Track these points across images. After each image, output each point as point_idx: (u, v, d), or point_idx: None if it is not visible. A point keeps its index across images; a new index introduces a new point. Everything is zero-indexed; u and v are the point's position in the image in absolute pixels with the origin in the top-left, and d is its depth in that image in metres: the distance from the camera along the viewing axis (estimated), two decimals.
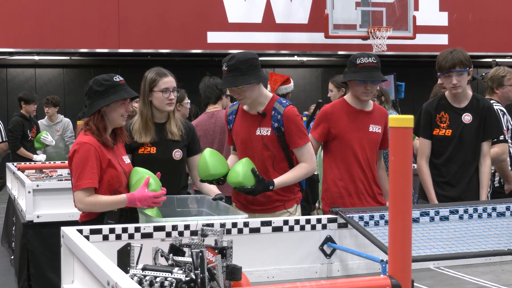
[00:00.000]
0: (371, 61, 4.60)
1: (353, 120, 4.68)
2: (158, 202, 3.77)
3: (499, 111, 5.33)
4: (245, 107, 4.35)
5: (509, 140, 5.58)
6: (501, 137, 5.16)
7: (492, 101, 5.41)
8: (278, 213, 4.26)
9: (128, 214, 3.91)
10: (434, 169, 4.87)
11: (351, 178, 4.66)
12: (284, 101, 4.28)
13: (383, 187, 4.82)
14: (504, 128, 5.30)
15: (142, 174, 3.91)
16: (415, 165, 6.48)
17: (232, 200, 4.48)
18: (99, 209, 3.84)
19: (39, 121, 10.76)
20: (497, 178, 5.72)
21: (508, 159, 5.54)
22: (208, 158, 4.15)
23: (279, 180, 4.18)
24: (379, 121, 4.74)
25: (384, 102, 6.52)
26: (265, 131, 4.25)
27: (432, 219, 3.82)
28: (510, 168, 5.66)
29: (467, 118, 4.82)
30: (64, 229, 3.22)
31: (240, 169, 4.06)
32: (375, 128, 4.71)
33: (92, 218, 3.88)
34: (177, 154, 4.40)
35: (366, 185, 4.69)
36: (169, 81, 4.41)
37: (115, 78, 3.93)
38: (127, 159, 4.10)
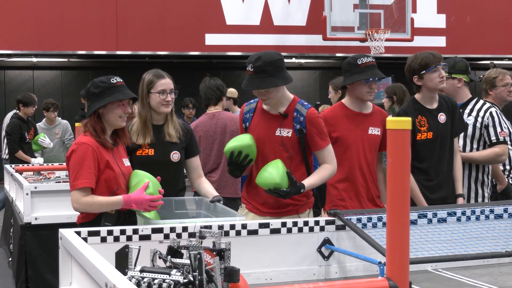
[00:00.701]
0: (370, 60, 4.66)
1: (353, 123, 4.68)
2: (154, 206, 3.76)
3: (495, 112, 5.34)
4: (264, 107, 4.33)
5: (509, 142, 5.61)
6: (501, 138, 5.21)
7: (487, 103, 5.42)
8: (289, 217, 4.18)
9: (126, 217, 3.91)
10: (420, 174, 4.86)
11: (351, 181, 4.66)
12: (306, 103, 4.28)
13: (381, 189, 4.82)
14: (505, 130, 5.30)
15: (141, 177, 3.91)
16: None
17: (243, 202, 4.46)
18: (95, 210, 3.85)
19: (37, 124, 10.75)
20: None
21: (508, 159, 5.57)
22: (251, 137, 4.19)
23: (308, 182, 4.17)
24: (378, 123, 4.74)
25: (395, 102, 6.49)
26: (285, 132, 4.24)
27: (429, 221, 3.83)
28: (509, 167, 5.69)
29: (442, 118, 4.91)
30: (62, 231, 3.23)
31: (275, 171, 4.02)
32: (374, 131, 4.71)
33: (89, 220, 3.89)
34: (175, 156, 4.40)
35: (366, 188, 4.69)
36: (166, 83, 4.40)
37: (112, 80, 3.94)
38: (127, 162, 4.10)
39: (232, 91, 9.07)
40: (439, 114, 4.90)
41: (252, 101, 4.46)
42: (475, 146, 5.28)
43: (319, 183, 4.29)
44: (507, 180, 5.74)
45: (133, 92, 4.04)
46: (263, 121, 4.31)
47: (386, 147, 4.82)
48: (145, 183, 3.79)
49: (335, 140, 4.63)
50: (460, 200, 4.90)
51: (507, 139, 5.38)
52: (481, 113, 5.31)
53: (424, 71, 4.83)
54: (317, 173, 4.27)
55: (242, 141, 4.20)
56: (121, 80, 3.98)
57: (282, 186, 4.00)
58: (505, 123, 5.45)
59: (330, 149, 4.30)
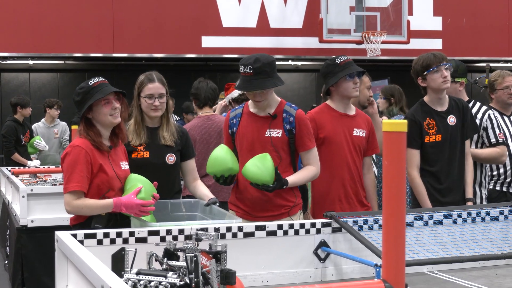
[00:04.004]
0: (347, 57, 4.74)
1: (338, 124, 4.71)
2: (145, 211, 3.76)
3: (492, 115, 5.35)
4: (252, 110, 4.39)
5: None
6: (500, 140, 5.24)
7: (483, 106, 5.44)
8: (283, 220, 4.24)
9: (118, 219, 3.91)
10: (430, 177, 4.82)
11: (340, 182, 4.67)
12: (293, 105, 4.40)
13: (367, 188, 4.84)
14: (502, 132, 5.32)
15: (136, 182, 3.90)
16: None
17: (231, 208, 4.47)
18: (86, 213, 3.86)
19: (35, 124, 10.76)
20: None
21: (509, 160, 5.57)
22: (227, 152, 4.23)
23: (291, 179, 4.27)
24: (362, 125, 4.79)
25: (393, 104, 6.47)
26: (275, 133, 4.32)
27: (426, 223, 3.83)
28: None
29: (451, 120, 4.86)
30: (58, 233, 3.22)
31: (265, 168, 4.09)
32: (359, 132, 4.75)
33: (80, 222, 3.92)
34: (171, 158, 4.39)
35: (354, 189, 4.72)
36: (154, 87, 4.35)
37: (90, 82, 3.94)
38: (125, 165, 4.08)
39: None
40: (449, 117, 4.86)
41: (237, 107, 4.54)
42: (473, 147, 5.29)
43: (301, 183, 4.39)
44: (495, 187, 5.71)
45: (129, 95, 4.03)
46: (252, 123, 4.37)
47: (372, 151, 4.92)
48: (138, 187, 3.79)
49: (322, 140, 4.65)
50: (469, 205, 4.83)
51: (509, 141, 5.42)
52: (479, 115, 5.32)
53: (426, 72, 4.82)
54: (301, 172, 4.36)
55: (221, 165, 4.24)
56: (100, 79, 3.95)
57: (270, 183, 4.10)
58: (501, 126, 5.46)
59: (315, 151, 4.41)
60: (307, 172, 4.37)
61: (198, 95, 6.31)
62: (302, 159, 4.42)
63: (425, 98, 4.94)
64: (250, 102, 4.47)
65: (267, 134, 4.32)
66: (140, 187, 3.80)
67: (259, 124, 4.35)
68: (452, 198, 4.78)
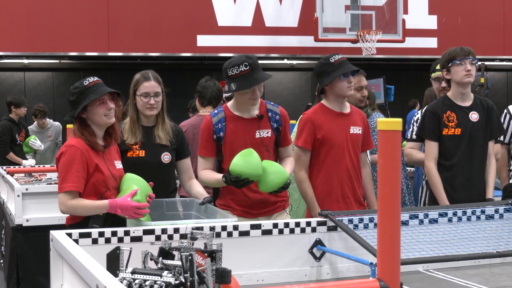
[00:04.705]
0: (341, 56, 4.73)
1: (335, 123, 4.70)
2: (140, 213, 3.75)
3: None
4: (236, 113, 4.40)
5: None
6: (501, 138, 5.25)
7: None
8: (277, 214, 4.43)
9: (115, 219, 3.90)
10: (445, 172, 4.78)
11: (338, 183, 4.67)
12: (271, 102, 4.50)
13: (364, 183, 4.85)
14: None
15: (132, 183, 3.89)
16: (411, 168, 6.51)
17: (225, 209, 4.44)
18: (81, 213, 3.85)
19: (29, 127, 10.71)
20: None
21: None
22: (259, 158, 4.14)
23: (288, 173, 4.35)
24: (358, 123, 4.79)
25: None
26: (265, 133, 4.39)
27: (421, 222, 3.84)
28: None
29: (474, 116, 4.81)
30: (53, 232, 3.22)
31: (276, 168, 4.16)
32: (355, 130, 4.74)
33: (77, 222, 3.91)
34: (166, 157, 4.39)
35: (351, 189, 4.71)
36: (149, 86, 4.35)
37: (85, 82, 3.92)
38: (119, 164, 4.08)
39: None
40: (471, 112, 4.81)
41: (215, 111, 4.48)
42: None
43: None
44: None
45: (124, 94, 4.03)
46: (240, 127, 4.39)
47: (368, 146, 4.94)
48: (134, 190, 3.78)
49: (320, 141, 4.64)
50: None
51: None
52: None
53: (450, 64, 4.79)
54: (290, 164, 4.51)
55: (255, 170, 4.08)
56: (95, 79, 3.95)
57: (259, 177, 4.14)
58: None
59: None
60: (291, 164, 4.52)
61: (204, 94, 6.27)
62: (281, 153, 4.54)
63: (449, 93, 4.90)
64: (231, 104, 4.45)
65: (257, 135, 4.37)
66: (136, 189, 3.78)
67: (247, 127, 4.38)
68: (465, 195, 4.69)
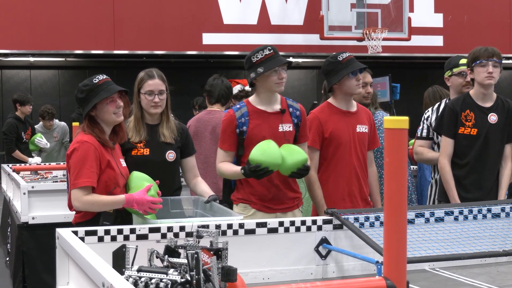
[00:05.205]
0: (349, 54, 4.73)
1: (342, 122, 4.70)
2: (154, 208, 3.75)
3: None
4: (259, 107, 4.43)
5: None
6: None
7: None
8: (295, 211, 4.47)
9: (123, 216, 3.90)
10: (457, 171, 4.77)
11: (345, 181, 4.66)
12: (290, 99, 4.55)
13: (370, 182, 4.85)
14: None
15: (142, 180, 3.89)
16: (414, 166, 6.49)
17: (243, 202, 4.44)
18: (96, 209, 3.82)
19: (35, 126, 10.70)
20: None
21: None
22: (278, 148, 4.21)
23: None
24: (365, 121, 4.78)
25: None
26: (287, 127, 4.45)
27: (427, 220, 3.83)
28: None
29: (493, 118, 4.78)
30: (59, 230, 3.22)
31: (293, 148, 4.24)
32: (362, 128, 4.74)
33: (86, 219, 3.86)
34: (171, 155, 4.38)
35: (358, 187, 4.70)
36: (154, 84, 4.34)
37: (95, 80, 3.92)
38: (123, 162, 4.09)
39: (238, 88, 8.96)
40: (490, 114, 4.77)
41: (238, 106, 4.51)
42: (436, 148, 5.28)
43: None
44: None
45: (129, 92, 4.03)
46: (264, 121, 4.41)
47: (374, 145, 4.93)
48: (148, 185, 3.78)
49: (328, 140, 4.64)
50: None
51: None
52: None
53: (473, 64, 4.75)
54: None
55: (274, 159, 4.12)
56: (104, 77, 3.94)
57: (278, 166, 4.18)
58: None
59: None
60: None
61: (212, 92, 6.26)
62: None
63: (471, 92, 4.87)
64: (252, 99, 4.46)
65: (280, 129, 4.41)
66: (150, 185, 3.79)
67: (270, 121, 4.42)
68: (475, 195, 4.68)
